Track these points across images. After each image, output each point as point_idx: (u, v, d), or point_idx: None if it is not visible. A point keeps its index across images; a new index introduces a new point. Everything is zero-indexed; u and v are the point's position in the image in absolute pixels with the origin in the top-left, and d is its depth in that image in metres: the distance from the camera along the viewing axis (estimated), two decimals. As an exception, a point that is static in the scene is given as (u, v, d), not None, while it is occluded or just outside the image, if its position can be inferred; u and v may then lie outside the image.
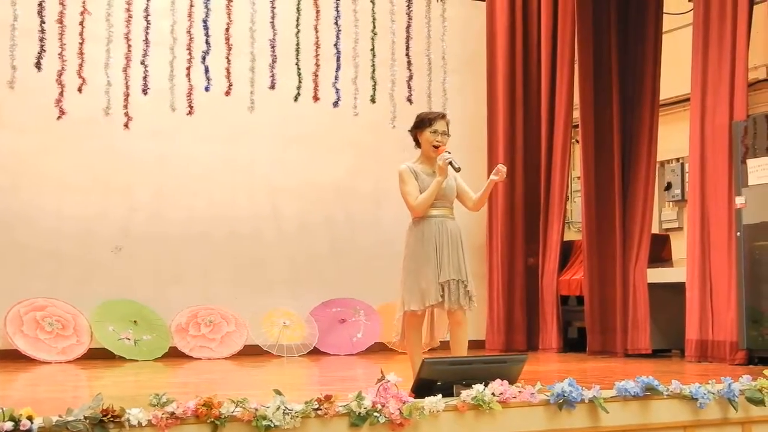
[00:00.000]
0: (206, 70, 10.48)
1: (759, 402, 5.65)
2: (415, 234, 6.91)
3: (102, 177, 11.11)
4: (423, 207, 6.85)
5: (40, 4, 9.87)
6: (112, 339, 10.69)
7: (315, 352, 11.50)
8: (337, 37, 11.07)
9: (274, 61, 10.71)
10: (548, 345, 11.82)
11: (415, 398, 4.80)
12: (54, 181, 10.90)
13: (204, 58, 10.48)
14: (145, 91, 10.29)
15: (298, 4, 10.94)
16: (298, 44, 10.93)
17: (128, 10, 10.31)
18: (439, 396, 4.84)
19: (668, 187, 12.09)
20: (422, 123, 6.97)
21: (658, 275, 10.87)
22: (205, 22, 10.46)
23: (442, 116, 7.04)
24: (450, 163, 6.73)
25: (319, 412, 4.54)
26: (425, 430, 4.75)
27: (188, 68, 10.48)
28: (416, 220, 6.93)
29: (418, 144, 7.03)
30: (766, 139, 9.35)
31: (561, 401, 5.08)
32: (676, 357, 10.75)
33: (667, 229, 12.14)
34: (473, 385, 4.96)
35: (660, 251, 11.57)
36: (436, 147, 6.86)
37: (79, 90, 10.03)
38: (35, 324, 10.40)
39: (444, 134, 6.91)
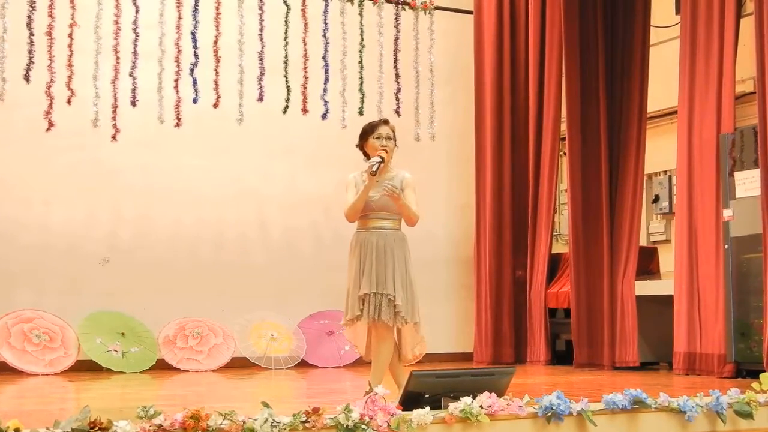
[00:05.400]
0: (194, 82, 10.46)
1: (747, 415, 5.66)
2: (349, 246, 6.97)
3: (90, 188, 11.10)
4: (351, 212, 6.83)
5: (29, 17, 9.85)
6: (100, 351, 10.66)
7: (303, 365, 11.48)
8: (325, 50, 11.07)
9: (262, 74, 10.71)
10: (536, 358, 11.82)
11: (402, 411, 4.80)
12: (42, 192, 10.89)
13: (192, 71, 10.47)
14: (133, 103, 10.28)
15: (287, 17, 10.95)
16: (286, 57, 10.92)
17: (117, 22, 10.30)
18: (427, 408, 4.84)
19: (656, 199, 12.10)
20: (366, 132, 6.98)
21: (645, 288, 10.88)
22: (193, 34, 10.45)
23: (385, 122, 7.03)
24: (372, 167, 6.67)
25: (306, 424, 4.54)
26: (413, 442, 4.76)
27: (176, 80, 10.46)
28: (354, 232, 6.95)
29: (367, 156, 6.99)
30: (753, 151, 9.38)
31: (549, 414, 5.08)
32: (664, 370, 10.76)
33: (655, 242, 12.16)
34: (461, 398, 4.96)
35: (648, 264, 11.58)
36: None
37: (68, 102, 10.02)
38: (23, 336, 10.38)
39: (388, 138, 6.86)
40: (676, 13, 10.99)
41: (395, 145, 6.97)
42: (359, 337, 7.09)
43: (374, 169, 6.65)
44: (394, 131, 6.97)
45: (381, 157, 6.73)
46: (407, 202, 6.87)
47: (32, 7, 9.88)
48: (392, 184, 6.80)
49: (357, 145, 7.07)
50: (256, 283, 11.69)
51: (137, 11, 10.32)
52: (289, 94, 10.90)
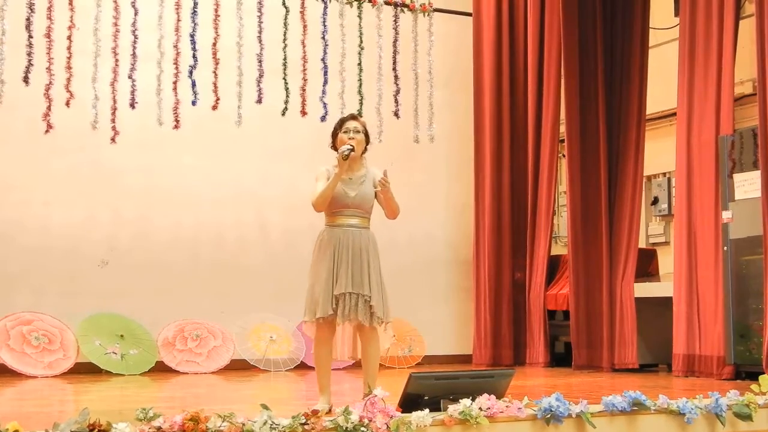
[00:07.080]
0: (193, 85, 10.47)
1: (746, 417, 5.67)
2: (318, 242, 6.82)
3: (89, 190, 11.08)
4: (319, 201, 6.68)
5: (27, 19, 9.86)
6: (99, 353, 10.65)
7: (302, 367, 11.46)
8: (324, 52, 11.08)
9: (261, 76, 10.72)
10: (535, 360, 11.80)
11: (402, 413, 4.80)
12: (41, 194, 10.87)
13: (191, 73, 10.48)
14: (132, 105, 10.28)
15: (286, 19, 10.95)
16: (285, 59, 10.93)
17: (116, 24, 10.30)
18: (427, 410, 4.84)
19: (655, 201, 12.10)
20: (335, 130, 6.89)
21: (644, 290, 10.87)
22: (192, 36, 10.47)
23: (353, 117, 6.95)
24: (343, 152, 6.58)
25: (306, 427, 4.54)
26: (412, 444, 4.75)
27: (175, 82, 10.47)
28: (325, 228, 6.83)
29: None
30: (752, 153, 9.38)
31: (548, 416, 5.09)
32: (663, 372, 10.76)
33: (654, 244, 12.16)
34: (460, 400, 4.96)
35: (647, 266, 11.58)
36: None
37: (67, 104, 10.03)
38: (22, 338, 10.37)
39: (356, 132, 6.76)
40: (675, 15, 11.00)
41: (368, 140, 6.88)
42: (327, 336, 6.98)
43: (345, 153, 6.57)
44: (365, 126, 6.87)
45: (350, 145, 6.67)
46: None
47: (31, 9, 9.89)
48: (382, 176, 6.71)
49: (330, 146, 6.98)
50: (255, 285, 11.68)
51: (136, 13, 10.34)
52: (288, 96, 10.91)
